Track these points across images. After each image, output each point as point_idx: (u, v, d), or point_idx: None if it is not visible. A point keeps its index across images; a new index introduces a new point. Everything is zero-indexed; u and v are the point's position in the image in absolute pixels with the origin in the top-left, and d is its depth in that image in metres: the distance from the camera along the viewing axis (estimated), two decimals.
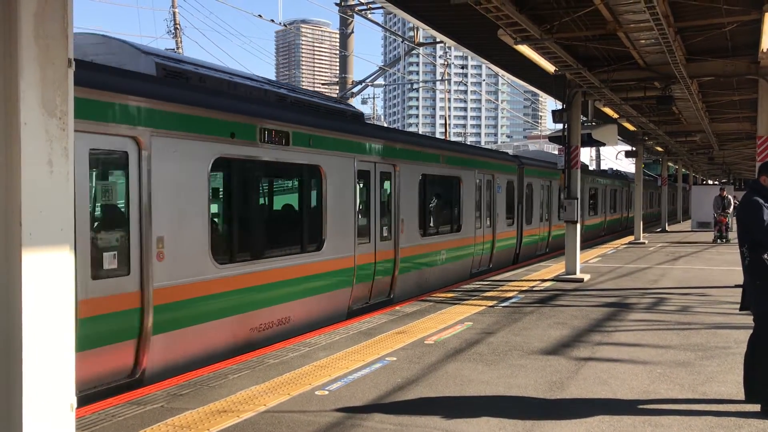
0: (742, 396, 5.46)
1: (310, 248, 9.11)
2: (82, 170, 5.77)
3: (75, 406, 3.18)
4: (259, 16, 21.68)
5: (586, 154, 46.66)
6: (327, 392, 5.73)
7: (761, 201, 5.25)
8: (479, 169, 15.00)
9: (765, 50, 11.22)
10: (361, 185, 10.37)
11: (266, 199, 9.15)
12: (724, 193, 24.12)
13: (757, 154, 13.09)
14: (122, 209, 6.43)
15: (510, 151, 28.55)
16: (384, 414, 5.17)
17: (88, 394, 5.72)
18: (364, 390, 5.79)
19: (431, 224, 12.92)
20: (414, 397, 5.61)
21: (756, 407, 5.20)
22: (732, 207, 23.76)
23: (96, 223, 6.25)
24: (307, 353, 7.19)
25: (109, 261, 6.11)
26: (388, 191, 11.23)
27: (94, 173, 6.20)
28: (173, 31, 30.19)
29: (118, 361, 6.23)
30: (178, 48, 30.34)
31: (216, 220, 7.89)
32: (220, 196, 8.18)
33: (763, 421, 4.97)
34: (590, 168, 34.05)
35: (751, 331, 5.49)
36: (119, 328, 6.17)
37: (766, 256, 5.11)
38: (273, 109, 8.59)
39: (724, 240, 23.15)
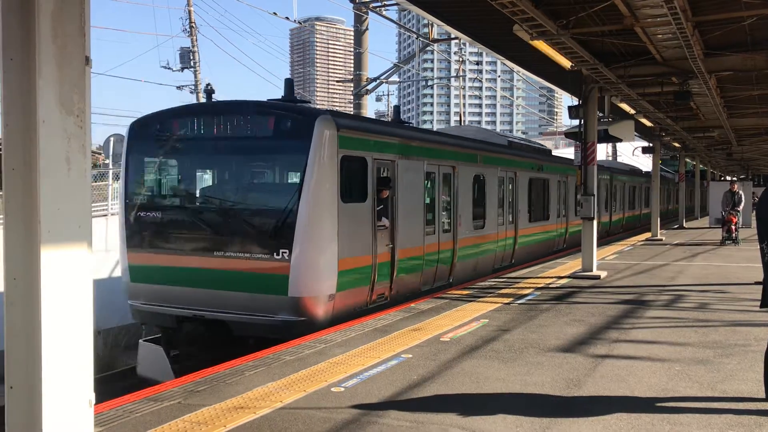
0: (762, 394, 5.39)
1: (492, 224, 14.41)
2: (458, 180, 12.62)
3: (93, 402, 3.20)
4: (274, 13, 21.73)
5: (602, 150, 46.28)
6: (343, 389, 5.74)
7: None
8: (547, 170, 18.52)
9: None
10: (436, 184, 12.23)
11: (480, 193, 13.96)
12: (735, 187, 21.79)
13: None
14: (449, 201, 12.49)
15: None
16: (400, 411, 5.17)
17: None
18: (379, 387, 5.79)
19: (512, 214, 15.63)
20: (430, 395, 5.60)
21: None
22: (743, 204, 21.73)
23: (442, 206, 12.18)
24: (323, 350, 7.20)
25: (445, 224, 12.23)
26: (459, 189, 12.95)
27: (459, 182, 12.67)
28: (188, 29, 30.33)
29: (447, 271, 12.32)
30: (193, 46, 30.49)
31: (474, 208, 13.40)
32: (476, 194, 13.62)
33: None
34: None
35: None
36: (449, 256, 12.28)
37: None
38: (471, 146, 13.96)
39: (733, 242, 20.61)
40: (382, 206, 10.03)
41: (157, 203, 9.90)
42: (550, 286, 12.15)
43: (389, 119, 15.78)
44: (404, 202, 10.63)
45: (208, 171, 10.35)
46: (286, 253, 8.58)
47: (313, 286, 8.70)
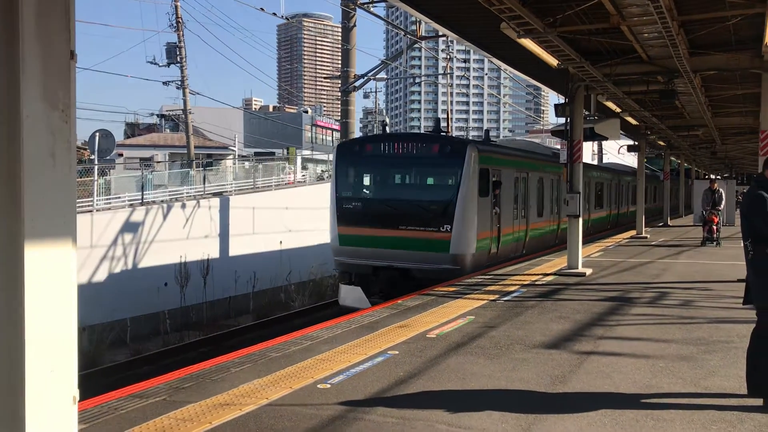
0: (744, 390, 5.46)
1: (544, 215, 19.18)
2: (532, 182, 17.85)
3: (77, 398, 3.18)
4: (261, 9, 21.64)
5: (588, 149, 46.56)
6: (329, 385, 5.74)
7: (766, 195, 5.23)
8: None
9: None
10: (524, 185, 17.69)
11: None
12: (715, 186, 20.75)
13: (760, 149, 13.05)
14: (524, 196, 17.35)
15: None
16: (386, 407, 5.18)
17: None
18: (366, 383, 5.79)
19: (542, 209, 19.21)
20: (416, 391, 5.62)
21: (758, 401, 5.20)
22: (723, 202, 20.97)
23: (521, 200, 17.00)
24: (310, 347, 7.20)
25: (522, 212, 17.11)
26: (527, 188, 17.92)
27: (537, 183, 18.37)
28: (175, 24, 30.16)
29: (522, 244, 17.17)
30: (179, 41, 30.32)
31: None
32: (538, 191, 18.44)
33: (765, 415, 4.97)
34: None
35: (753, 326, 5.48)
36: (524, 235, 17.22)
37: None
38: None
39: (714, 243, 19.73)
40: (494, 200, 15.32)
41: (358, 196, 15.50)
42: (536, 283, 12.21)
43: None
44: (504, 197, 15.83)
45: (393, 177, 15.83)
46: (448, 227, 14.01)
47: (463, 247, 14.09)
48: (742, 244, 5.45)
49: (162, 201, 22.59)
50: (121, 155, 38.23)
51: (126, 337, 18.35)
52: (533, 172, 17.96)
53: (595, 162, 44.49)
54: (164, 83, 32.03)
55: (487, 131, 19.81)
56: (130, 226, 20.29)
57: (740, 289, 5.93)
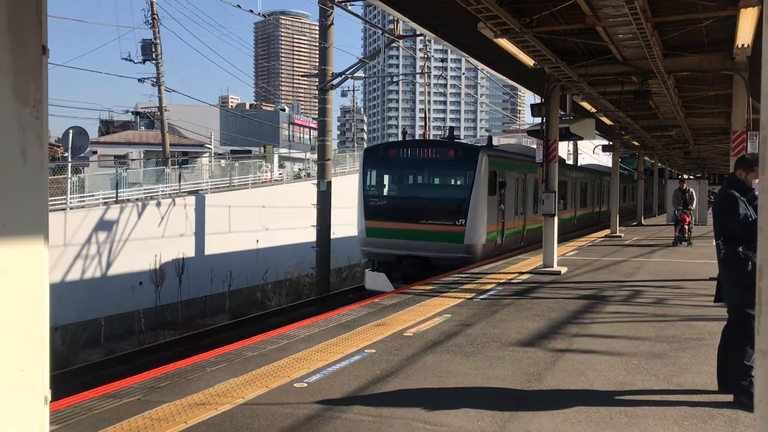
0: (715, 386, 5.55)
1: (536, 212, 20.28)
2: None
3: (49, 398, 3.14)
4: (238, 6, 21.50)
5: (563, 148, 46.93)
6: (306, 384, 5.72)
7: (737, 194, 5.31)
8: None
9: (740, 46, 11.35)
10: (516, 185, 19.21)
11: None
12: (685, 186, 20.66)
13: (732, 149, 13.27)
14: (523, 195, 19.38)
15: None
16: (363, 406, 5.18)
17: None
18: (343, 382, 5.79)
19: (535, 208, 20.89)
20: (393, 389, 5.63)
21: (728, 397, 5.29)
22: (695, 202, 20.98)
23: (520, 198, 18.84)
24: (286, 346, 7.17)
25: (520, 209, 18.99)
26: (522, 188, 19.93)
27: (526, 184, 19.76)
28: (150, 21, 29.84)
29: (521, 238, 18.97)
30: (155, 38, 30.00)
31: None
32: (533, 191, 19.79)
33: (735, 410, 5.05)
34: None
35: (724, 323, 5.57)
36: (522, 229, 19.08)
37: (741, 249, 5.18)
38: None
39: (686, 243, 19.72)
40: (500, 198, 17.27)
41: (383, 194, 17.67)
42: (512, 281, 12.29)
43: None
44: (507, 196, 17.75)
45: (414, 177, 17.74)
46: (463, 221, 16.04)
47: (475, 239, 16.10)
48: (714, 243, 5.54)
49: (137, 199, 22.36)
50: (95, 153, 37.73)
51: (100, 337, 18.15)
52: (530, 174, 19.32)
53: (570, 162, 44.87)
54: (139, 80, 31.66)
55: (490, 137, 21.46)
56: (104, 225, 20.06)
57: (712, 288, 6.02)
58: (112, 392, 5.50)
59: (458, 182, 17.09)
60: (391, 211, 16.91)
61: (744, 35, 10.73)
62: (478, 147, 17.82)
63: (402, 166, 17.49)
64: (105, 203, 20.96)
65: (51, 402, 3.19)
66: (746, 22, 10.00)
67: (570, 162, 41.56)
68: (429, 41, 41.81)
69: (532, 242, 19.31)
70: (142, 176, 26.24)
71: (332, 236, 23.81)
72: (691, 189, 20.91)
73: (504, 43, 11.36)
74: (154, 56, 30.34)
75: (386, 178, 17.93)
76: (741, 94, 13.51)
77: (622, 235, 23.51)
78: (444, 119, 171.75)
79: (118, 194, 21.96)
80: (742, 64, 13.00)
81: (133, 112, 51.85)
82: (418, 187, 17.62)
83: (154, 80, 30.66)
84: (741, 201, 5.27)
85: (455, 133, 21.31)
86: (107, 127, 52.03)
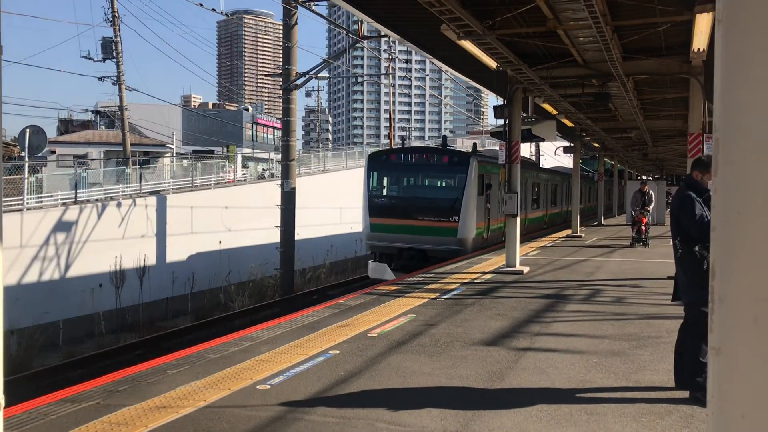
0: (672, 383, 5.67)
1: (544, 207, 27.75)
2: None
3: (3, 404, 3.06)
4: (200, 5, 21.23)
5: (525, 150, 47.46)
6: (269, 386, 5.68)
7: (694, 195, 5.43)
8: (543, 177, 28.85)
9: (696, 50, 11.60)
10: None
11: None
12: (646, 188, 20.66)
13: (689, 151, 13.57)
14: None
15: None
16: (327, 407, 5.16)
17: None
18: (306, 384, 5.77)
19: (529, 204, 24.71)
20: (357, 390, 5.62)
21: (684, 394, 5.41)
22: (653, 204, 21.10)
23: (501, 198, 17.77)
24: (249, 348, 7.12)
25: (501, 210, 18.71)
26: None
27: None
28: (111, 18, 29.32)
29: (501, 234, 18.07)
30: (116, 36, 29.49)
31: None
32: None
33: (691, 406, 5.17)
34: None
35: (681, 321, 5.70)
36: (501, 227, 18.71)
37: (697, 248, 5.29)
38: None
39: (643, 244, 19.69)
40: (486, 198, 19.27)
41: (385, 194, 19.83)
42: (476, 281, 12.38)
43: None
44: (492, 196, 19.69)
45: (413, 179, 19.88)
46: (456, 218, 18.21)
47: (467, 233, 18.25)
48: (672, 243, 5.66)
49: (97, 200, 21.94)
50: (53, 152, 36.92)
51: (59, 340, 17.76)
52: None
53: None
54: (99, 79, 31.08)
55: (475, 144, 23.91)
56: (63, 226, 19.64)
57: (669, 286, 6.15)
58: (70, 396, 5.39)
59: (452, 184, 19.17)
60: (392, 209, 18.90)
61: (700, 39, 10.99)
62: (469, 153, 19.92)
63: (402, 170, 19.69)
64: (64, 204, 20.52)
65: (5, 408, 3.11)
66: (702, 26, 10.24)
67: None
68: (394, 42, 41.88)
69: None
70: (102, 176, 25.76)
71: (297, 237, 23.69)
72: (651, 191, 21.01)
73: (467, 45, 11.44)
74: (114, 54, 29.81)
75: (388, 179, 20.06)
76: (697, 97, 13.84)
77: (583, 235, 23.86)
78: (409, 120, 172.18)
79: (78, 195, 21.52)
80: (698, 67, 13.31)
81: (93, 111, 50.88)
82: (416, 188, 19.70)
83: (115, 79, 30.12)
84: (697, 202, 5.39)
85: (447, 142, 23.55)
86: (66, 126, 50.92)
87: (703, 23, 10.07)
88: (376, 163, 19.82)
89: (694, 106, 13.87)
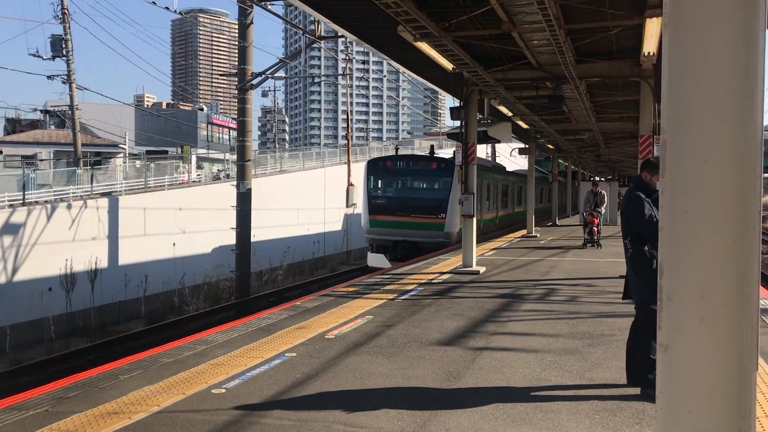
0: (624, 380, 5.78)
1: (511, 207, 31.26)
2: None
3: None
4: (153, 3, 20.84)
5: (482, 151, 47.95)
6: (224, 390, 5.61)
7: (643, 196, 5.55)
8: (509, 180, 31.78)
9: (646, 54, 11.88)
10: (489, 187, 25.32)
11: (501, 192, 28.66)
12: (598, 189, 20.77)
13: (639, 152, 13.89)
14: (489, 195, 26.51)
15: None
16: (283, 410, 5.12)
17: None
18: (262, 387, 5.71)
19: (502, 204, 28.72)
20: (314, 392, 5.59)
21: (636, 390, 5.52)
22: (605, 204, 21.06)
23: (488, 197, 26.36)
24: (204, 351, 7.01)
25: (490, 205, 26.65)
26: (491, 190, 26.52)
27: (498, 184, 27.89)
28: (61, 15, 28.60)
29: (493, 227, 26.80)
30: (66, 34, 28.78)
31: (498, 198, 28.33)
32: (494, 192, 27.74)
33: (642, 403, 5.28)
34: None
35: (632, 319, 5.82)
36: (493, 219, 27.44)
37: (646, 248, 5.41)
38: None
39: (595, 245, 19.57)
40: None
41: (383, 194, 23.01)
42: (433, 281, 12.44)
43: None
44: (480, 195, 21.34)
45: (407, 182, 23.41)
46: (443, 215, 21.41)
47: (452, 227, 20.93)
48: (623, 243, 5.77)
49: (46, 201, 21.36)
50: (0, 153, 35.84)
51: (5, 346, 17.24)
52: (484, 180, 24.32)
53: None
54: (49, 77, 30.28)
55: (432, 146, 27.44)
56: (10, 228, 19.07)
57: (621, 285, 6.27)
58: (16, 404, 5.23)
59: (439, 186, 22.36)
60: (388, 208, 22.25)
61: (649, 43, 11.25)
62: (453, 160, 24.84)
63: (396, 174, 23.35)
64: (11, 205, 19.93)
65: None
66: (651, 30, 10.49)
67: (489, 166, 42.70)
68: (351, 43, 41.84)
69: (485, 232, 24.36)
70: (51, 177, 25.10)
71: (253, 239, 23.46)
72: (603, 191, 21.18)
73: (423, 46, 11.49)
74: (64, 52, 29.08)
75: (385, 182, 23.42)
76: (648, 99, 14.16)
77: (538, 235, 24.21)
78: (366, 121, 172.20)
79: (26, 196, 20.93)
80: (648, 71, 13.62)
81: (42, 111, 49.56)
82: (409, 190, 23.27)
83: (65, 77, 29.40)
84: (646, 202, 5.50)
85: (435, 151, 27.00)
86: (14, 125, 49.44)
87: (652, 27, 10.31)
88: (375, 168, 23.42)
89: (644, 108, 14.19)
